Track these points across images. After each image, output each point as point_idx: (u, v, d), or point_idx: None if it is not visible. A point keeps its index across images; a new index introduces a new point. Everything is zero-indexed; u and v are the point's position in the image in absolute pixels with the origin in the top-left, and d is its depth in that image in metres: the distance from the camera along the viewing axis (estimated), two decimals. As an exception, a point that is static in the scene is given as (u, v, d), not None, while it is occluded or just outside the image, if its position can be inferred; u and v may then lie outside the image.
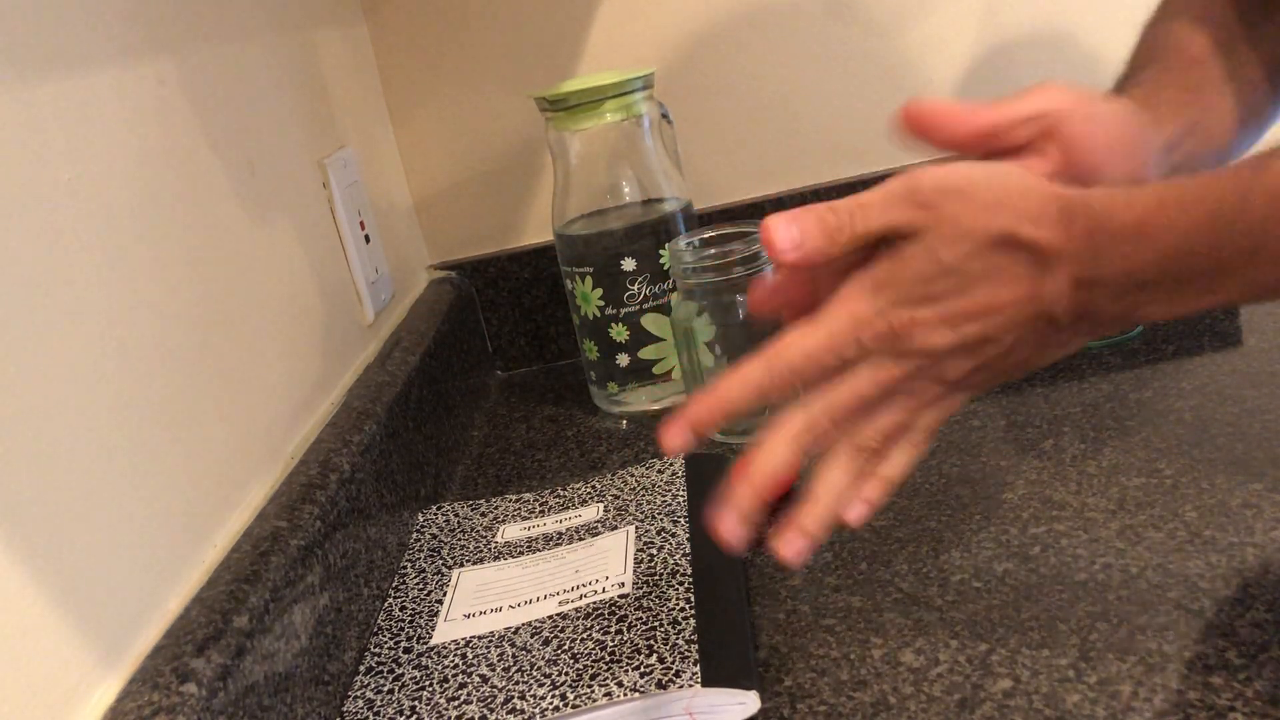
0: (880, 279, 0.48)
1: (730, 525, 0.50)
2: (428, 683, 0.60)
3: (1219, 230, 0.44)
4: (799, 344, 0.49)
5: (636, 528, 0.72)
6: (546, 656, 0.60)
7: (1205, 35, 0.66)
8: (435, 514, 0.80)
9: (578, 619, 0.63)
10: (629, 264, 0.90)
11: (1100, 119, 0.55)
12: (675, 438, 0.50)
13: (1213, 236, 0.44)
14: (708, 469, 0.78)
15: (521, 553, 0.73)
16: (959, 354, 0.48)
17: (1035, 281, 0.47)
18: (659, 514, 0.73)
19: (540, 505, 0.79)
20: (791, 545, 0.50)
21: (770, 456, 0.50)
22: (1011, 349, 0.48)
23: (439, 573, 0.72)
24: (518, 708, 0.55)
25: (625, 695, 0.54)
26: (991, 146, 0.54)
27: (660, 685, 0.54)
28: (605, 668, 0.57)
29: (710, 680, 0.54)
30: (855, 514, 0.51)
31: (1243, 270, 0.45)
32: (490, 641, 0.63)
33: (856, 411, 0.50)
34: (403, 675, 0.61)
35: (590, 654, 0.59)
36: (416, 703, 0.58)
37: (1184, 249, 0.45)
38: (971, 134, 0.54)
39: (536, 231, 1.10)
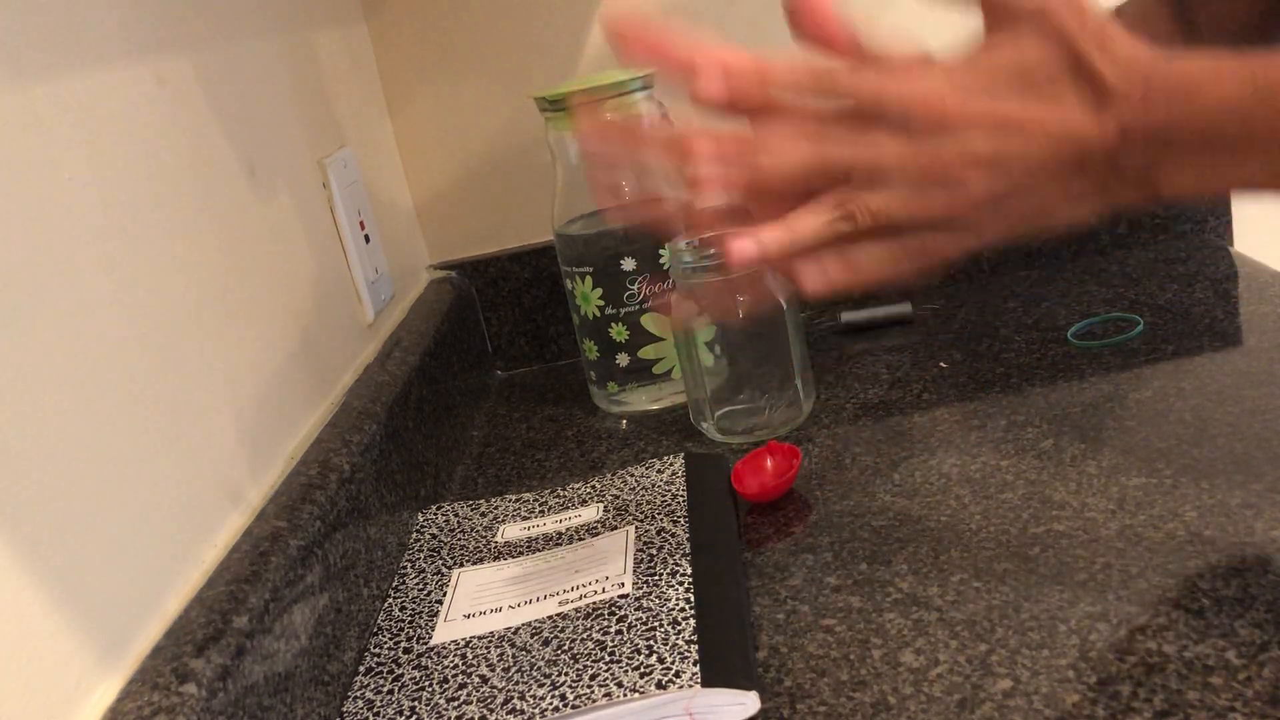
0: (957, 63, 0.48)
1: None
2: (427, 683, 0.60)
3: (1255, 101, 0.45)
4: (858, 74, 0.48)
5: (636, 528, 0.72)
6: (546, 656, 0.60)
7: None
8: (435, 514, 0.80)
9: (578, 619, 0.63)
10: (629, 264, 0.90)
11: None
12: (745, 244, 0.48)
13: (1247, 105, 0.45)
14: (708, 469, 0.78)
15: (521, 553, 0.73)
16: (988, 166, 0.47)
17: (1085, 113, 0.46)
18: (659, 514, 0.73)
19: (540, 505, 0.79)
20: (741, 245, 0.48)
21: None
22: (1033, 180, 0.47)
23: (439, 573, 0.72)
24: (518, 708, 0.55)
25: (625, 695, 0.54)
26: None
27: (660, 685, 0.54)
28: (605, 668, 0.57)
29: (710, 680, 0.54)
30: (810, 278, 0.49)
31: (1269, 148, 0.45)
32: (490, 642, 0.63)
33: (868, 170, 0.48)
34: (402, 675, 0.61)
35: (590, 654, 0.59)
36: (416, 703, 0.58)
37: (1222, 109, 0.45)
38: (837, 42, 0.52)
39: (536, 231, 1.10)
